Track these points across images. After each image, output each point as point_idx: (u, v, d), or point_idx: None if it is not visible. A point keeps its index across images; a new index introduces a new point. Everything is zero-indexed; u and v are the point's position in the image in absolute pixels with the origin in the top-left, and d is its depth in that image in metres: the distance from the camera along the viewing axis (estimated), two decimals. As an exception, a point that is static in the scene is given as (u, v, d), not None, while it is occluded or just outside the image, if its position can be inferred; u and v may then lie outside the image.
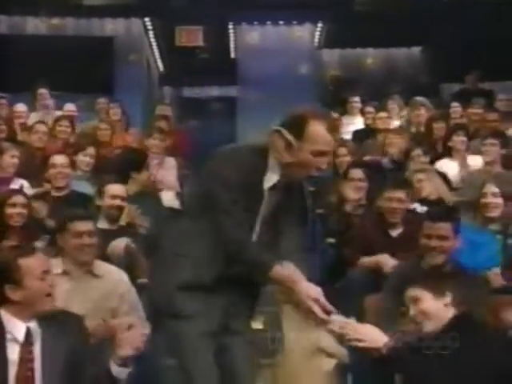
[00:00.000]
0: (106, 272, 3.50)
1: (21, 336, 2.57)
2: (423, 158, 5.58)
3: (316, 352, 2.55)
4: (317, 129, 2.56)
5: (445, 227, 3.43)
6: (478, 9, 9.38)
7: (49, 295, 2.63)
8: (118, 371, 2.57)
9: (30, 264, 2.61)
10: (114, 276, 3.52)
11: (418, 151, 5.62)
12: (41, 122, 6.51)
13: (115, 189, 4.44)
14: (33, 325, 2.60)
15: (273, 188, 2.63)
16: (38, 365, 2.55)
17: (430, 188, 4.89)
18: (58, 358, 2.55)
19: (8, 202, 4.20)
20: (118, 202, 4.38)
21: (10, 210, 4.17)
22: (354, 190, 4.81)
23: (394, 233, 4.25)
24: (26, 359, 2.55)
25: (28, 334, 2.58)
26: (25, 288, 2.59)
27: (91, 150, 5.70)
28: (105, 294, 3.40)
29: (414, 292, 2.79)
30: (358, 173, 4.89)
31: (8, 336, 2.56)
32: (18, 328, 2.57)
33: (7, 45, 10.16)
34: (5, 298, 2.60)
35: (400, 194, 4.23)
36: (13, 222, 4.16)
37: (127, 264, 3.92)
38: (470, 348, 2.61)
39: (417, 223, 3.74)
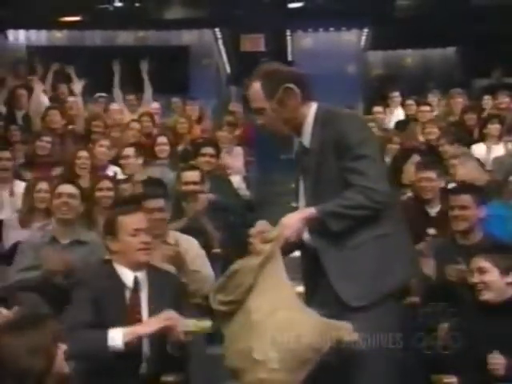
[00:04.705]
0: (176, 240, 3.45)
1: (130, 283, 2.61)
2: (447, 146, 5.42)
3: None
4: None
5: (465, 198, 3.35)
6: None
7: (140, 250, 2.64)
8: None
9: (126, 221, 2.66)
10: (184, 244, 3.47)
11: (442, 141, 5.51)
12: (135, 120, 6.52)
13: (187, 175, 4.32)
14: (140, 274, 2.64)
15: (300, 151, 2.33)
16: (145, 309, 2.58)
17: (463, 171, 4.72)
18: (161, 304, 2.55)
19: (96, 187, 4.23)
20: (191, 187, 4.28)
21: (98, 194, 4.18)
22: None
23: (433, 211, 4.10)
24: (134, 304, 2.58)
25: (136, 281, 2.61)
26: (119, 240, 2.65)
27: (162, 139, 5.62)
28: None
29: (481, 263, 2.71)
30: (416, 157, 4.76)
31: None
32: (127, 276, 2.62)
33: (101, 54, 10.34)
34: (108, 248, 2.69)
35: (429, 173, 4.07)
36: (101, 203, 4.17)
37: (202, 237, 3.95)
38: None
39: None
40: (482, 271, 2.70)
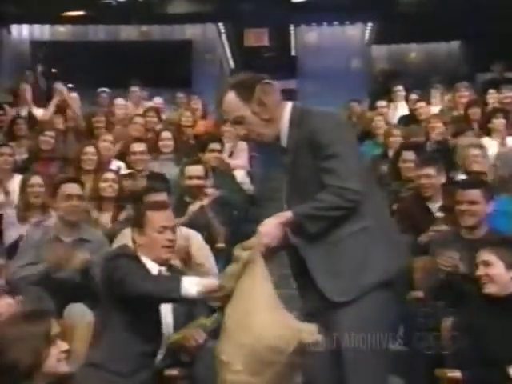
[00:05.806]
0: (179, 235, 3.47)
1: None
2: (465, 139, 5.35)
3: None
4: None
5: (474, 193, 3.30)
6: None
7: (164, 247, 2.67)
8: None
9: (154, 217, 2.69)
10: (186, 238, 3.46)
11: (469, 133, 5.41)
12: (139, 115, 6.48)
13: (191, 170, 4.33)
14: (163, 269, 2.68)
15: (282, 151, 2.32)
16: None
17: (482, 164, 4.58)
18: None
19: (102, 178, 4.25)
20: (194, 181, 4.29)
21: (103, 185, 4.21)
22: (407, 170, 4.63)
23: (434, 206, 4.01)
24: None
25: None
26: (145, 234, 2.67)
27: (166, 134, 5.62)
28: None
29: (487, 256, 2.71)
30: (410, 155, 4.67)
31: None
32: (153, 268, 2.64)
33: (104, 49, 10.36)
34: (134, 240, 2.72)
35: (428, 170, 3.98)
36: (106, 194, 4.20)
37: (207, 231, 3.96)
38: None
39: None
40: (487, 264, 2.69)
